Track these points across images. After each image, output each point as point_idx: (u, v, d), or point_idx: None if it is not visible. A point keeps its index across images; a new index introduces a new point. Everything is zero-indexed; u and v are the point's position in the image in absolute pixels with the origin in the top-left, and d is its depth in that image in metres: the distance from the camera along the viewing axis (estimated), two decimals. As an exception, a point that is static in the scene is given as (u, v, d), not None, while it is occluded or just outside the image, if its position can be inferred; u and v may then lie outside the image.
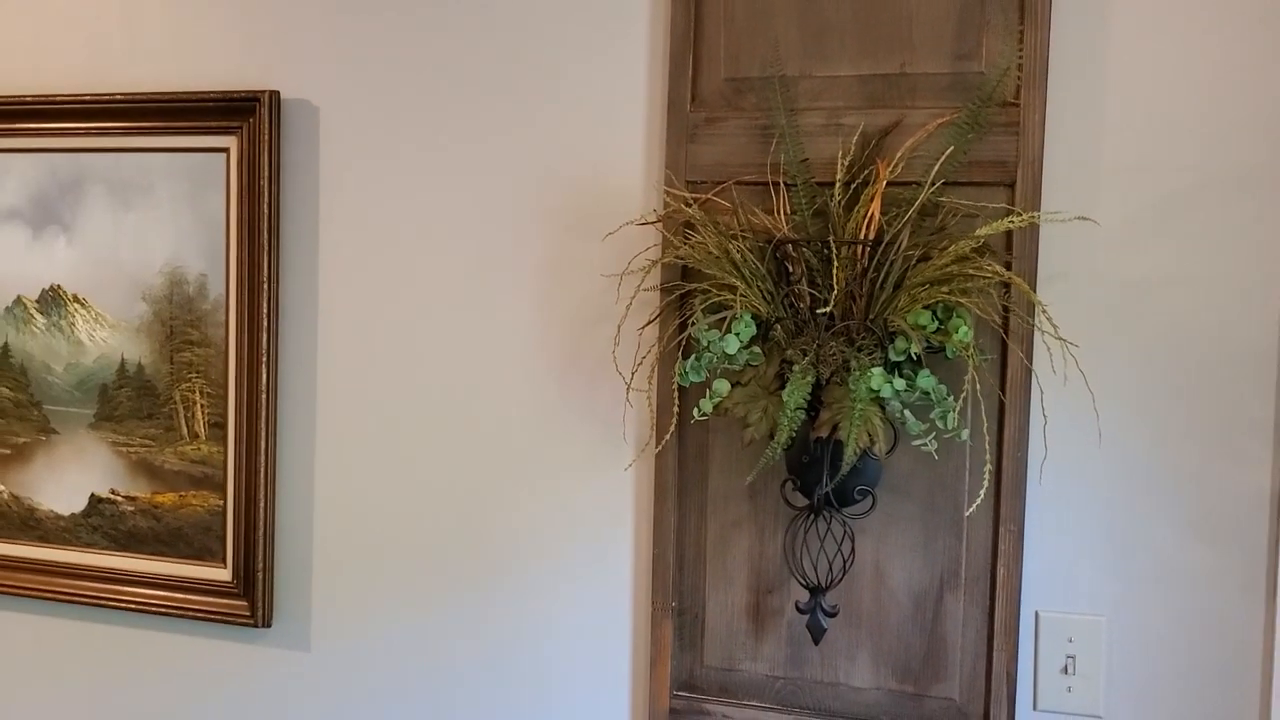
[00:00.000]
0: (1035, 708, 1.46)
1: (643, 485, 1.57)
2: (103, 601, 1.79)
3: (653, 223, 1.47)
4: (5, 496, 1.84)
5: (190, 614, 1.74)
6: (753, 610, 1.53)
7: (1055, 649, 1.46)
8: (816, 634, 1.44)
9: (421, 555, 1.68)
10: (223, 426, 1.72)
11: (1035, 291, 1.37)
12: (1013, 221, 1.32)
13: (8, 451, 1.83)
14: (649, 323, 1.49)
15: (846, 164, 1.40)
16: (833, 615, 1.45)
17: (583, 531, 1.60)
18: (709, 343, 1.36)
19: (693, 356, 1.38)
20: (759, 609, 1.53)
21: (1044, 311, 1.31)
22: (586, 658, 1.61)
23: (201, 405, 1.73)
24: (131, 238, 1.74)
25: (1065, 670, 1.45)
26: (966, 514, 1.41)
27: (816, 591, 1.44)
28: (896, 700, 1.49)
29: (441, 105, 1.62)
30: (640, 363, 1.49)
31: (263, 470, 1.69)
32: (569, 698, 1.62)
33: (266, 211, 1.66)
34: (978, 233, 1.31)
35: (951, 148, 1.36)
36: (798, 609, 1.46)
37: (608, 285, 1.54)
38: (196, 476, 1.74)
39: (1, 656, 1.88)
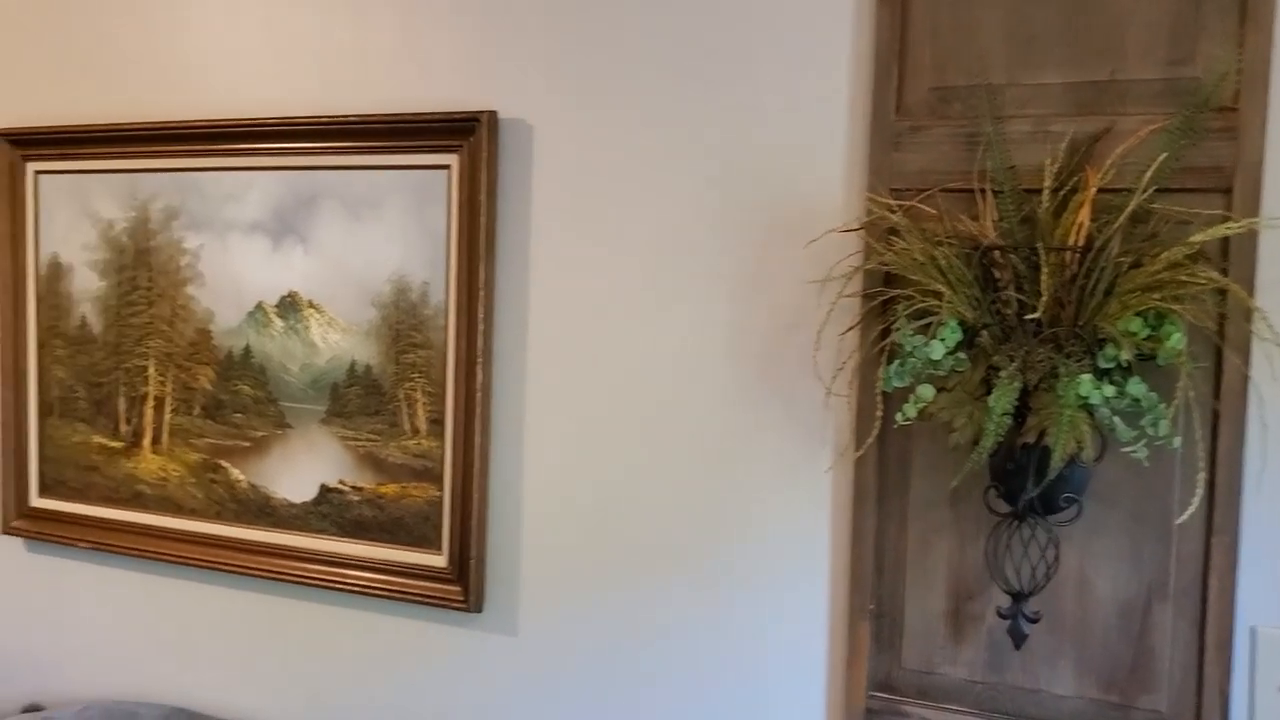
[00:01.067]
0: (1250, 726, 1.43)
1: (841, 489, 1.60)
2: (329, 584, 1.93)
3: (856, 229, 1.51)
4: (244, 485, 2.01)
5: (408, 597, 1.86)
6: (952, 615, 1.54)
7: (1274, 667, 1.41)
8: (1018, 639, 1.45)
9: (622, 549, 1.75)
10: (441, 423, 1.83)
11: (1253, 298, 1.34)
12: (1230, 227, 1.30)
13: (248, 444, 2.00)
14: (850, 328, 1.52)
15: (1055, 170, 1.41)
16: (1035, 621, 1.45)
17: (780, 532, 1.64)
18: (914, 348, 1.39)
19: (896, 362, 1.41)
20: (958, 614, 1.54)
21: (1263, 318, 1.28)
22: (782, 654, 1.66)
23: (423, 403, 1.85)
24: (362, 248, 1.87)
25: (1283, 688, 1.42)
26: (1178, 522, 1.39)
27: (1019, 597, 1.44)
28: (1100, 710, 1.48)
29: (646, 119, 1.70)
30: (841, 368, 1.53)
31: (476, 464, 1.80)
32: (765, 693, 1.67)
33: (483, 224, 1.77)
34: (1193, 239, 1.30)
35: (1165, 154, 1.35)
36: (999, 614, 1.46)
37: (806, 292, 1.59)
38: (417, 469, 1.87)
39: (239, 631, 2.06)
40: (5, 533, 2.24)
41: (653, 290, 1.71)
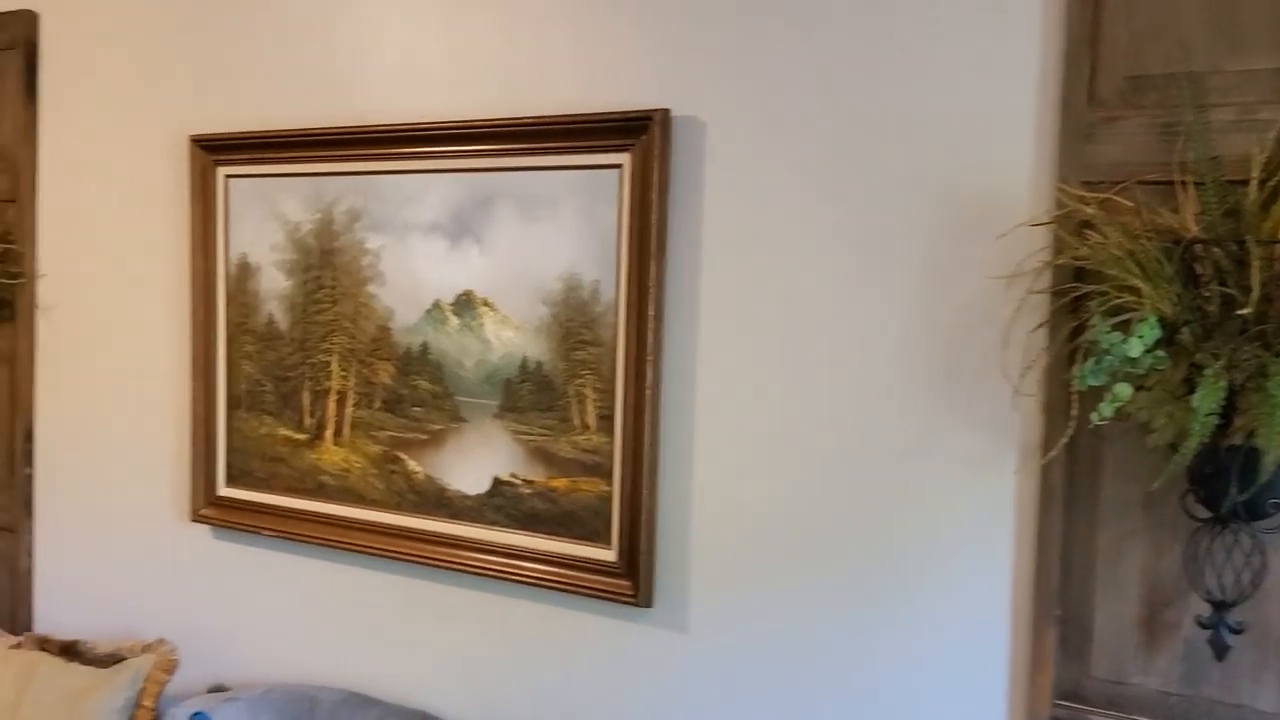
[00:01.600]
0: None
1: (1026, 491, 1.56)
2: (502, 575, 1.97)
3: (1048, 223, 1.47)
4: (421, 477, 2.07)
5: (579, 590, 1.89)
6: (1145, 623, 1.49)
7: None
8: (1220, 650, 1.38)
9: (795, 549, 1.74)
10: (611, 419, 1.86)
11: None
12: None
13: (425, 437, 2.06)
14: (1040, 325, 1.48)
15: (1263, 161, 1.34)
16: (1239, 632, 1.38)
17: (962, 533, 1.61)
18: (1110, 346, 1.34)
19: (1092, 360, 1.36)
20: (1152, 622, 1.48)
21: None
22: (962, 658, 1.62)
23: (593, 399, 1.88)
24: (534, 248, 1.91)
25: None
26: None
27: (1221, 606, 1.38)
28: (1309, 729, 1.40)
29: (822, 113, 1.68)
30: (1030, 366, 1.49)
31: (645, 460, 1.82)
32: (943, 699, 1.64)
33: (654, 222, 1.78)
34: None
35: (1387, 141, 1.27)
36: (1199, 624, 1.40)
37: (989, 288, 1.55)
38: (587, 464, 1.89)
39: (414, 619, 2.12)
40: (194, 520, 2.36)
41: (829, 287, 1.69)
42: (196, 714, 2.05)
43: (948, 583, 1.63)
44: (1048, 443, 1.48)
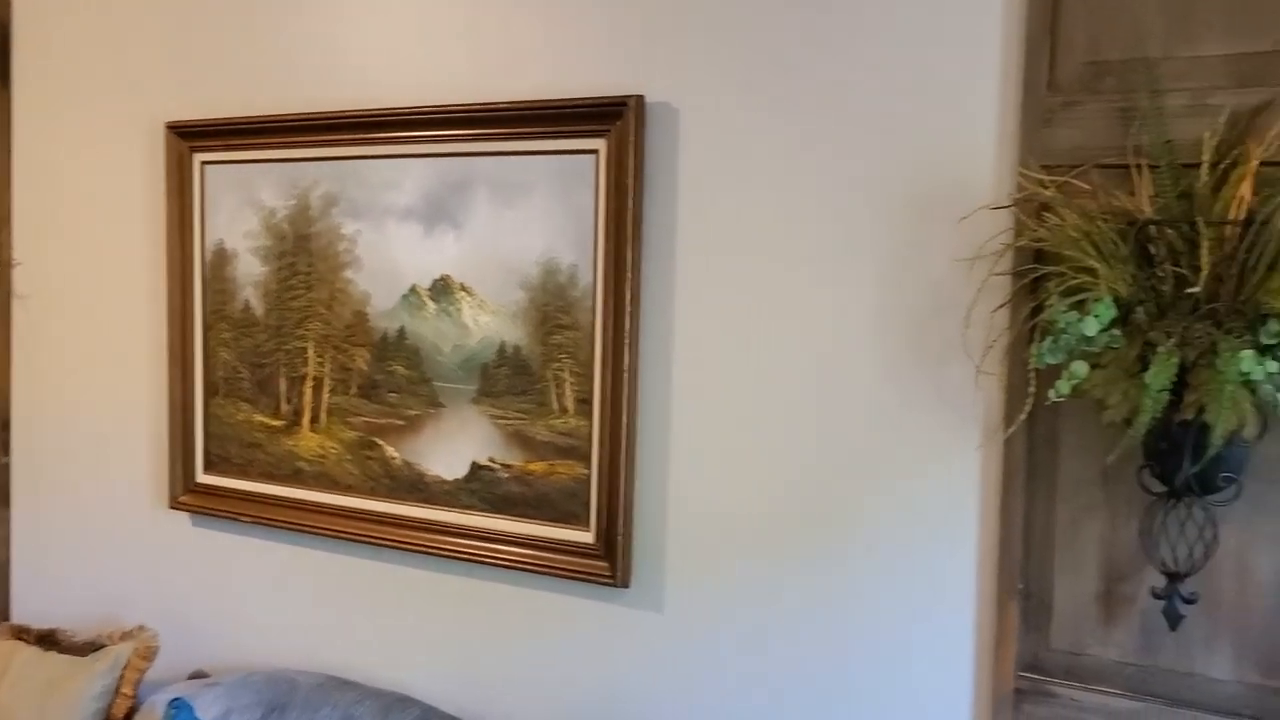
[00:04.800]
0: None
1: (990, 468, 1.60)
2: (480, 558, 2.00)
3: (1009, 206, 1.51)
4: (399, 462, 2.10)
5: (556, 572, 1.93)
6: (1103, 596, 1.53)
7: None
8: (1173, 620, 1.43)
9: (768, 528, 1.78)
10: (588, 402, 1.89)
11: None
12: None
13: (401, 422, 2.09)
14: (1001, 306, 1.52)
15: (1215, 144, 1.39)
16: (1191, 603, 1.43)
17: (928, 510, 1.65)
18: (1067, 325, 1.38)
19: (1049, 339, 1.41)
20: (1110, 594, 1.53)
21: None
22: (929, 633, 1.66)
23: (570, 383, 1.91)
24: (511, 232, 1.94)
25: None
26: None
27: (1174, 578, 1.43)
28: (1259, 695, 1.45)
29: (791, 100, 1.72)
30: (991, 346, 1.53)
31: (623, 443, 1.85)
32: (912, 671, 1.68)
33: (630, 207, 1.81)
34: (1365, 210, 1.27)
35: (1332, 125, 1.32)
36: (1153, 595, 1.45)
37: (954, 270, 1.59)
38: (564, 448, 1.92)
39: (392, 603, 2.15)
40: (173, 507, 2.37)
41: (800, 270, 1.73)
42: (175, 700, 2.06)
43: (916, 559, 1.67)
44: (1009, 420, 1.52)
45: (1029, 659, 1.58)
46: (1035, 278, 1.48)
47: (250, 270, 2.23)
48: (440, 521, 2.05)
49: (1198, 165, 1.39)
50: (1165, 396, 1.32)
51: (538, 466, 1.95)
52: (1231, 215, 1.33)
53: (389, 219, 2.06)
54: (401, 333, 2.07)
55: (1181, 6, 1.45)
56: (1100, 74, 1.49)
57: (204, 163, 2.27)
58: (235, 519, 2.30)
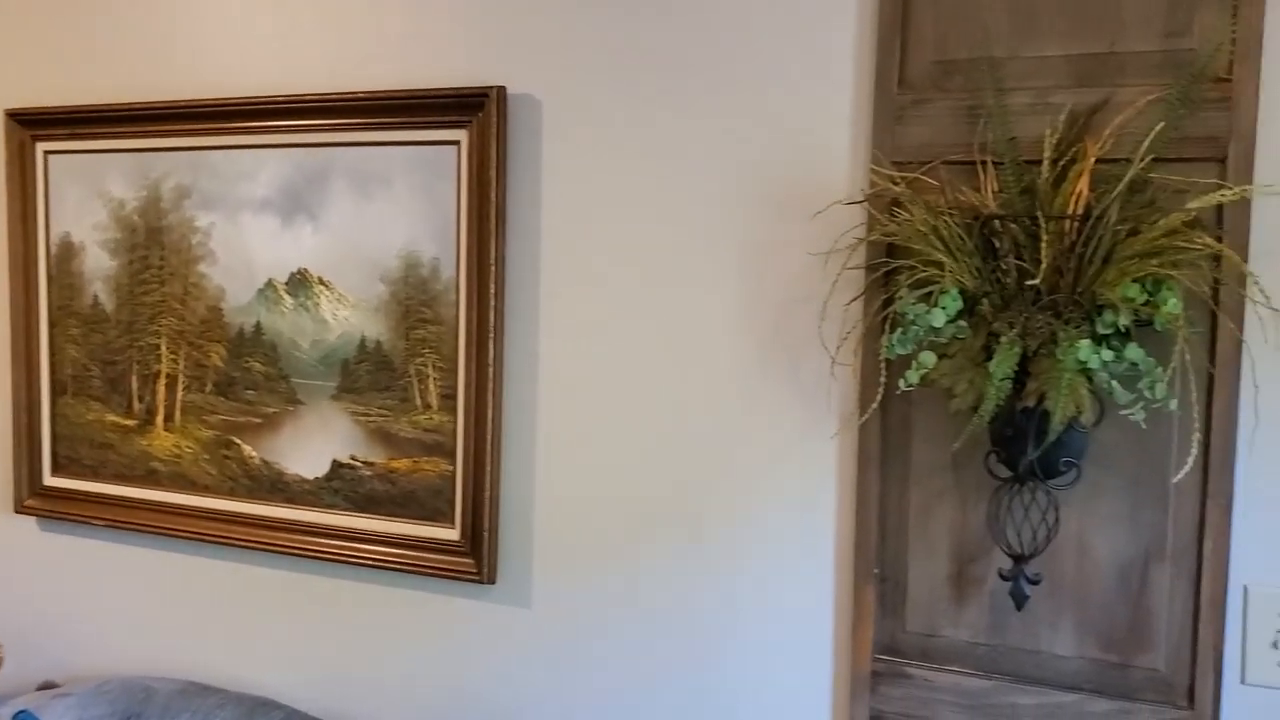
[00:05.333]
0: (1243, 681, 1.46)
1: (846, 456, 1.63)
2: (343, 558, 1.96)
3: (860, 202, 1.54)
4: (257, 461, 2.04)
5: (422, 570, 1.90)
6: (954, 578, 1.58)
7: (1265, 623, 1.45)
8: (1019, 600, 1.48)
9: (634, 521, 1.79)
10: (453, 398, 1.87)
11: (1246, 264, 1.38)
12: (1225, 195, 1.34)
13: (259, 420, 2.03)
14: (855, 299, 1.56)
15: (1055, 142, 1.44)
16: (1035, 583, 1.48)
17: (787, 499, 1.68)
18: (915, 316, 1.42)
19: (899, 330, 1.44)
20: (961, 577, 1.58)
21: (1256, 282, 1.32)
22: (790, 620, 1.69)
23: (434, 378, 1.88)
24: (371, 225, 1.90)
25: (1275, 645, 1.45)
26: (1174, 481, 1.43)
27: (1020, 559, 1.48)
28: (1100, 670, 1.51)
29: (654, 95, 1.72)
30: (846, 337, 1.56)
31: (489, 438, 1.83)
32: (773, 658, 1.71)
33: (494, 199, 1.79)
34: (1189, 205, 1.33)
35: (1162, 123, 1.38)
36: (1000, 576, 1.50)
37: (811, 264, 1.62)
38: (428, 444, 1.90)
39: (253, 606, 2.09)
40: (18, 512, 2.27)
41: (660, 264, 1.74)
42: (20, 713, 1.97)
43: (778, 547, 1.69)
44: (863, 410, 1.56)
45: (886, 642, 1.62)
46: (887, 271, 1.52)
47: (99, 264, 2.14)
48: (302, 521, 2.00)
49: (1039, 162, 1.44)
50: (1008, 385, 1.36)
51: (402, 464, 1.92)
52: (1070, 210, 1.38)
53: (244, 211, 2.00)
54: (258, 328, 2.02)
55: (1026, 8, 1.50)
56: (948, 72, 1.53)
57: (47, 152, 2.17)
58: (87, 523, 2.21)
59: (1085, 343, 1.34)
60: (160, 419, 2.12)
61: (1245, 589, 1.46)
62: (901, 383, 1.45)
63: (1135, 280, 1.35)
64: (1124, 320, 1.34)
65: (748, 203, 1.67)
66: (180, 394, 2.09)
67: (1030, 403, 1.37)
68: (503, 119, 1.79)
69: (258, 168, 1.98)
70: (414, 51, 1.88)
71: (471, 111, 1.80)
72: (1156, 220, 1.35)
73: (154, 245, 2.08)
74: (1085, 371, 1.35)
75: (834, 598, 1.67)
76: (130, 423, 2.15)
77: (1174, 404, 1.35)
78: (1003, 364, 1.35)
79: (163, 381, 2.11)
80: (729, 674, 1.74)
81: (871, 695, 1.62)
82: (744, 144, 1.67)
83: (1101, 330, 1.37)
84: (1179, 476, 1.40)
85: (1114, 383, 1.35)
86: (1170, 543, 1.47)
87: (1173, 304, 1.32)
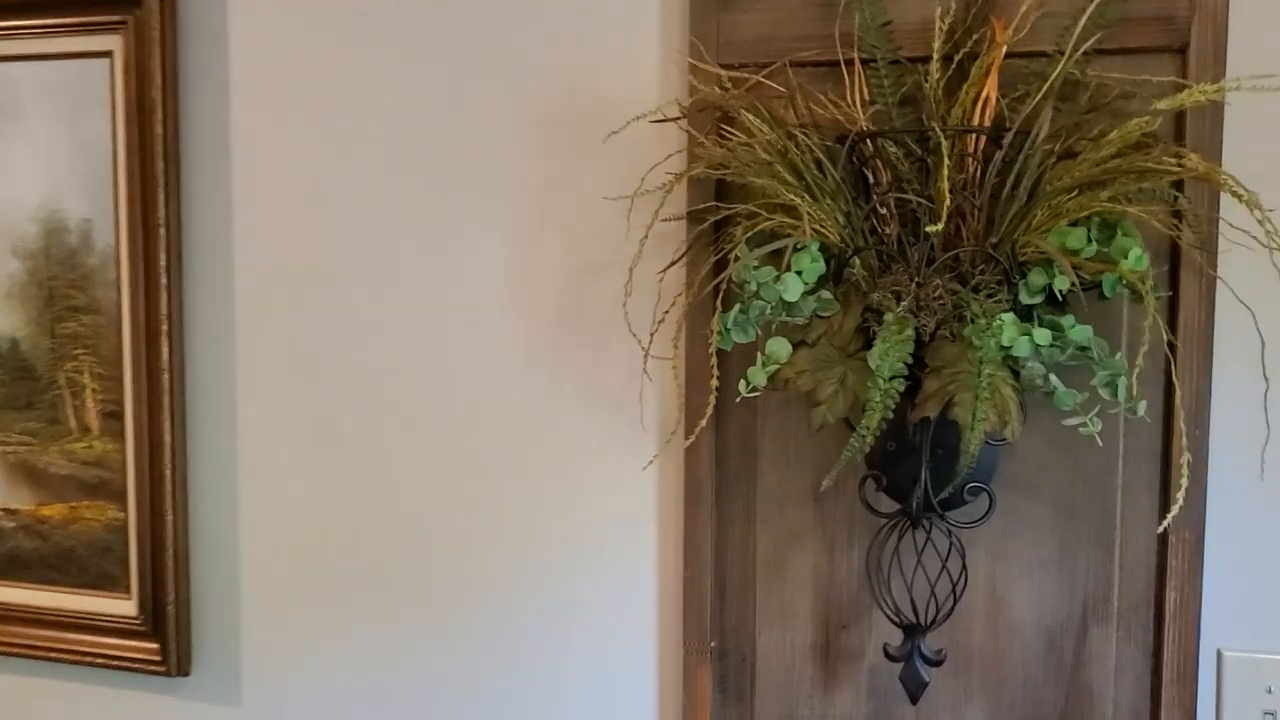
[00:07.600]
0: (1221, 782, 1.07)
1: (669, 487, 1.17)
2: (-20, 644, 1.41)
3: (675, 119, 1.06)
4: None
5: (87, 660, 1.37)
6: (820, 651, 1.14)
7: (1248, 701, 1.06)
8: (915, 690, 1.04)
9: (384, 584, 1.29)
10: (119, 417, 1.34)
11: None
12: (1203, 92, 0.91)
13: None
14: (672, 264, 1.08)
15: (947, 28, 1.00)
16: (937, 664, 1.04)
17: (591, 551, 1.21)
18: (760, 286, 0.95)
19: (736, 308, 0.98)
20: (829, 650, 1.14)
21: (1265, 220, 0.89)
22: (601, 713, 1.22)
23: (92, 390, 1.35)
24: (-5, 176, 1.35)
25: (1262, 731, 1.06)
26: (1158, 530, 1.01)
27: (914, 631, 1.04)
28: (1021, 770, 1.10)
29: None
30: (662, 320, 1.09)
31: (169, 473, 1.31)
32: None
33: (161, 132, 1.28)
34: (1158, 106, 0.90)
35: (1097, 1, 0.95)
36: (887, 655, 1.06)
37: (611, 214, 1.14)
38: (90, 482, 1.36)
39: None
40: None
41: (408, 221, 1.25)
42: None
43: (580, 614, 1.23)
44: (690, 424, 1.09)
45: (730, 738, 1.17)
46: (716, 221, 1.05)
47: None
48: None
49: (927, 59, 0.99)
50: (898, 384, 0.91)
51: (54, 510, 1.39)
52: (975, 123, 0.94)
53: None
54: None
55: None
56: (794, -66, 1.07)
57: None
58: None
59: (1009, 318, 0.90)
60: None
61: (1219, 655, 1.06)
62: (742, 385, 0.98)
63: (1075, 224, 0.91)
64: (1060, 284, 0.90)
65: (520, 127, 1.19)
66: None
67: (931, 412, 0.92)
68: (171, 17, 1.27)
69: None
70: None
71: (126, 8, 1.28)
72: (1101, 135, 0.92)
73: None
74: (1010, 362, 0.90)
75: (657, 683, 1.20)
76: None
77: (1143, 408, 0.91)
78: (890, 354, 0.90)
79: None
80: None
81: (711, 814, 1.16)
82: (510, 44, 1.19)
83: (1026, 300, 0.94)
84: (1164, 524, 0.95)
85: (1053, 378, 0.91)
86: (1118, 597, 1.06)
87: (1135, 256, 0.89)
